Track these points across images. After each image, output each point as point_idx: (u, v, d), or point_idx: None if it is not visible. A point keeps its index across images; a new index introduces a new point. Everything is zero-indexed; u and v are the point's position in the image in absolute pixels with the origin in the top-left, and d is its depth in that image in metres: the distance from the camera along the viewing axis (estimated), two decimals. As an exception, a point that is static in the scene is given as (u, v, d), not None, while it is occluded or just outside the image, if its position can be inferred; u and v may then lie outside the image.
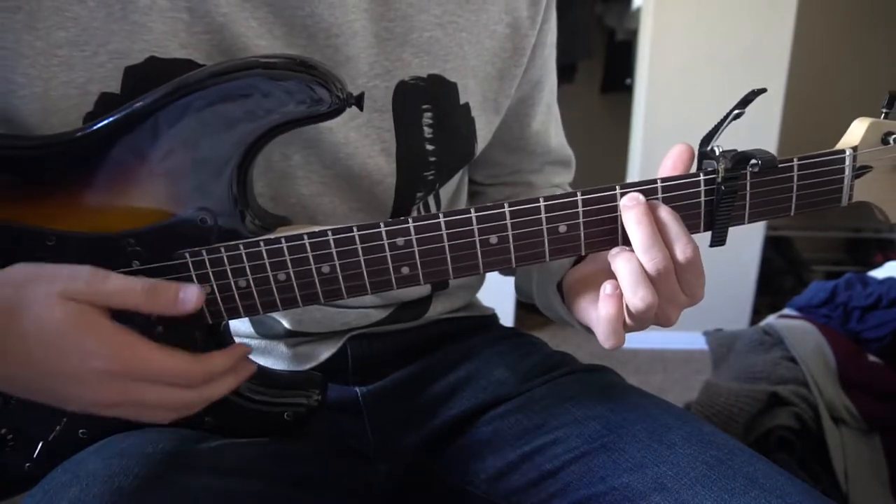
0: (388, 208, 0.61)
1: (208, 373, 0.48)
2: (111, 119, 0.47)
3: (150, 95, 0.47)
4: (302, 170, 0.57)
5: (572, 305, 0.56)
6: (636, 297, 0.47)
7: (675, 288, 0.49)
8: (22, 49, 0.48)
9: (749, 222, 0.52)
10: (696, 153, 0.51)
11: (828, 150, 0.51)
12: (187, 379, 0.47)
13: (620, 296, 0.49)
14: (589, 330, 0.55)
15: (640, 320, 0.49)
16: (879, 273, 1.58)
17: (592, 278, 0.54)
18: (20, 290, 0.44)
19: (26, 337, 0.43)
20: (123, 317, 0.46)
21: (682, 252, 0.48)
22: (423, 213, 0.66)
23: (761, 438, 1.22)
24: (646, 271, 0.48)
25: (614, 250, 0.49)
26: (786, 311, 1.52)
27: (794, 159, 0.50)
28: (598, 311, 0.50)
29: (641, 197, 0.48)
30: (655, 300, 0.48)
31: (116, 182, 0.48)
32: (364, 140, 0.57)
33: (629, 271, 0.48)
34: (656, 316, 0.50)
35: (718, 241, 0.51)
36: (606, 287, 0.49)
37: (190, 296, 0.47)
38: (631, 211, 0.48)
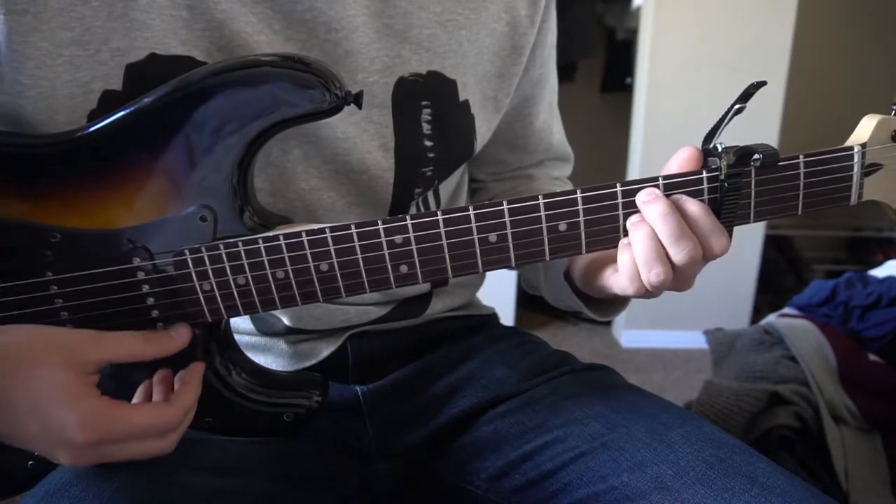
0: (386, 204, 0.61)
1: (184, 411, 0.49)
2: (114, 118, 0.47)
3: (153, 94, 0.47)
4: (301, 165, 0.57)
5: (592, 284, 0.56)
6: (651, 272, 0.48)
7: (697, 268, 0.49)
8: (28, 51, 0.48)
9: (754, 221, 0.51)
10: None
11: (836, 147, 0.50)
12: (167, 427, 0.47)
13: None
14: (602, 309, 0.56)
15: (655, 290, 0.50)
16: (880, 272, 1.58)
17: (604, 257, 0.54)
18: (23, 349, 0.45)
19: (13, 396, 0.43)
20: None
21: (718, 245, 0.48)
22: (422, 209, 0.65)
23: (762, 437, 1.23)
24: (665, 251, 0.48)
25: (633, 218, 0.48)
26: (786, 310, 1.52)
27: (801, 156, 0.49)
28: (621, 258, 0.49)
29: (657, 190, 0.48)
30: (670, 276, 0.48)
31: (119, 179, 0.48)
32: (363, 135, 0.57)
33: (647, 248, 0.48)
34: (674, 284, 0.50)
35: None
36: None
37: (182, 332, 0.50)
38: (653, 205, 0.47)
